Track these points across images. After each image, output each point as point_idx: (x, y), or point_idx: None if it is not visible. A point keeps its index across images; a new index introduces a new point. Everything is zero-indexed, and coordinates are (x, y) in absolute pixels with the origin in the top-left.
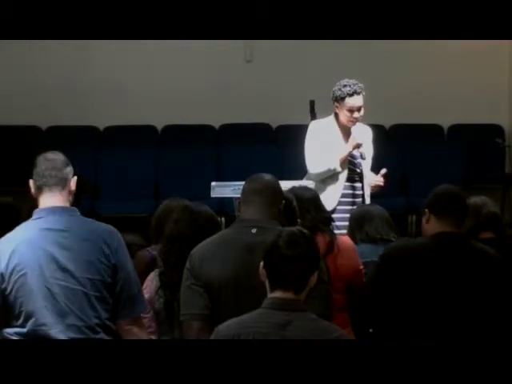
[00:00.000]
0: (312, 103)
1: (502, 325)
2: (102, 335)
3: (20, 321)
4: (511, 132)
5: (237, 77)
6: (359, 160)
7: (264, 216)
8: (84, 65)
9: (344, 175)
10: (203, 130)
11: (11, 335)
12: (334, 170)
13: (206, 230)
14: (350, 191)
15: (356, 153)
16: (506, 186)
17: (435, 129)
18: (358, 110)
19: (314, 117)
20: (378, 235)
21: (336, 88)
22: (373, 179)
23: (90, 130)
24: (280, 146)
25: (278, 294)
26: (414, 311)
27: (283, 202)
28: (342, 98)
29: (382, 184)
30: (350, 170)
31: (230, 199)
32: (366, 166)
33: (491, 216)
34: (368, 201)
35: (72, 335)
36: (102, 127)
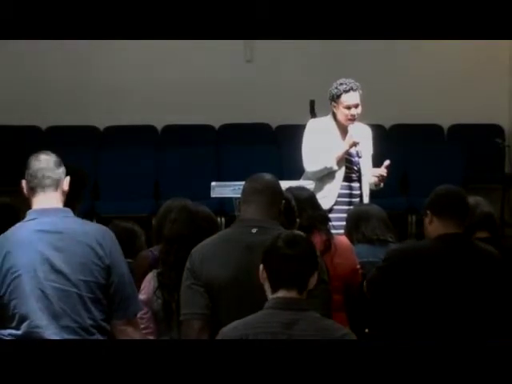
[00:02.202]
0: (312, 103)
1: (507, 324)
2: (97, 336)
3: (14, 323)
4: (511, 132)
5: (237, 77)
6: (356, 158)
7: (264, 216)
8: (84, 65)
9: (341, 174)
10: (203, 130)
11: (5, 337)
12: (331, 168)
13: (205, 230)
14: (347, 191)
15: (353, 151)
16: (506, 186)
17: (435, 129)
18: (355, 106)
19: (314, 117)
20: (375, 236)
21: (332, 87)
22: (376, 170)
23: (90, 130)
24: (280, 146)
25: (281, 293)
26: (422, 313)
27: (283, 201)
28: (339, 96)
29: (385, 175)
30: (347, 168)
31: (230, 199)
32: (364, 165)
33: (485, 216)
34: (366, 200)
35: (66, 337)
36: (102, 127)
